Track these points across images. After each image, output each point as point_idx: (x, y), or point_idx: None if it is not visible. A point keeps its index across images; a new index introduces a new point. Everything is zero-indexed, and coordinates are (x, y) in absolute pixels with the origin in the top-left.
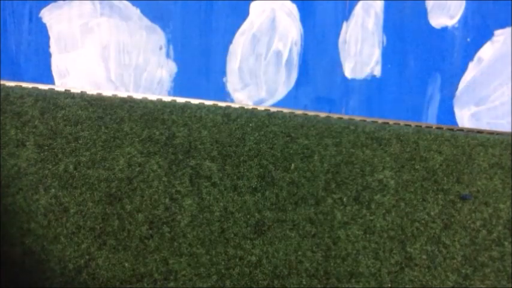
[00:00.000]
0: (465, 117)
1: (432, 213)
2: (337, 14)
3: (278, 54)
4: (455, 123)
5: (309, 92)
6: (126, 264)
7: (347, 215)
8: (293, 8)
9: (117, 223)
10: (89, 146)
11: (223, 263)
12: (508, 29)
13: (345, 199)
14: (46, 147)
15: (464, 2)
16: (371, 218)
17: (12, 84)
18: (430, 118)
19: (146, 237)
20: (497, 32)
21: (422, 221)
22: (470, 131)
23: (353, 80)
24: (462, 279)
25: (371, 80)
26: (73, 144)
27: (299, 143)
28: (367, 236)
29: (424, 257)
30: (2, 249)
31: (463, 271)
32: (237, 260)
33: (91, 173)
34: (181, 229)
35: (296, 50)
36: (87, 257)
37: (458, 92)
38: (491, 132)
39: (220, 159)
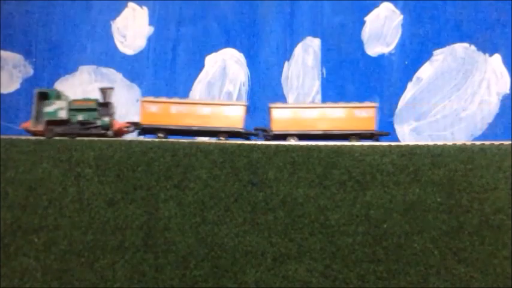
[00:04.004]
0: (406, 132)
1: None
2: (279, 55)
3: (229, 95)
4: (397, 139)
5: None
6: None
7: None
8: (240, 56)
9: None
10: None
11: None
12: (447, 48)
13: None
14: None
15: (400, 29)
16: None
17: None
18: None
19: None
20: (436, 52)
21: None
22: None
23: None
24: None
25: None
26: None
27: None
28: None
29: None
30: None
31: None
32: None
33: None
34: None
35: (244, 90)
36: None
37: (397, 110)
38: None
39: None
